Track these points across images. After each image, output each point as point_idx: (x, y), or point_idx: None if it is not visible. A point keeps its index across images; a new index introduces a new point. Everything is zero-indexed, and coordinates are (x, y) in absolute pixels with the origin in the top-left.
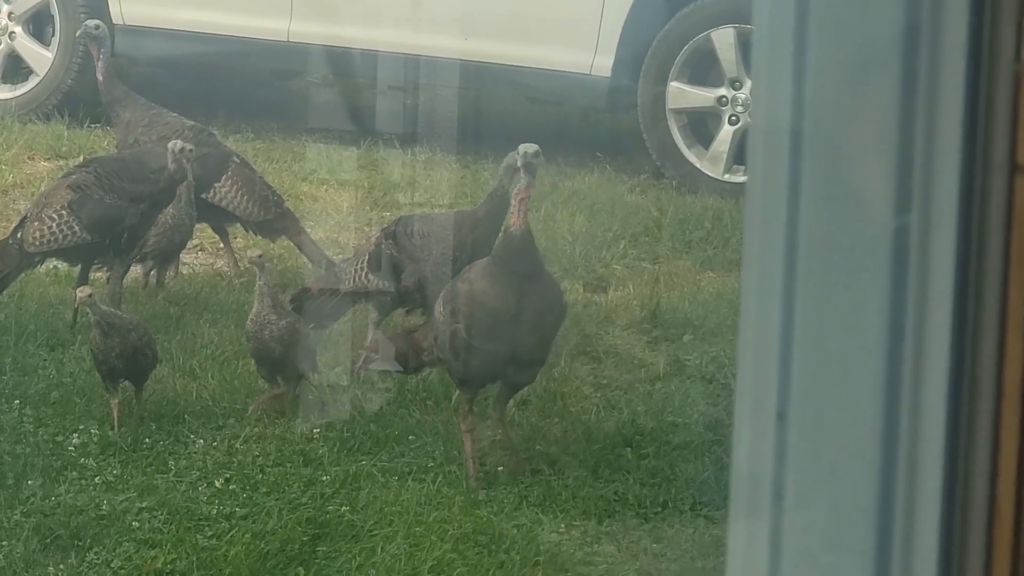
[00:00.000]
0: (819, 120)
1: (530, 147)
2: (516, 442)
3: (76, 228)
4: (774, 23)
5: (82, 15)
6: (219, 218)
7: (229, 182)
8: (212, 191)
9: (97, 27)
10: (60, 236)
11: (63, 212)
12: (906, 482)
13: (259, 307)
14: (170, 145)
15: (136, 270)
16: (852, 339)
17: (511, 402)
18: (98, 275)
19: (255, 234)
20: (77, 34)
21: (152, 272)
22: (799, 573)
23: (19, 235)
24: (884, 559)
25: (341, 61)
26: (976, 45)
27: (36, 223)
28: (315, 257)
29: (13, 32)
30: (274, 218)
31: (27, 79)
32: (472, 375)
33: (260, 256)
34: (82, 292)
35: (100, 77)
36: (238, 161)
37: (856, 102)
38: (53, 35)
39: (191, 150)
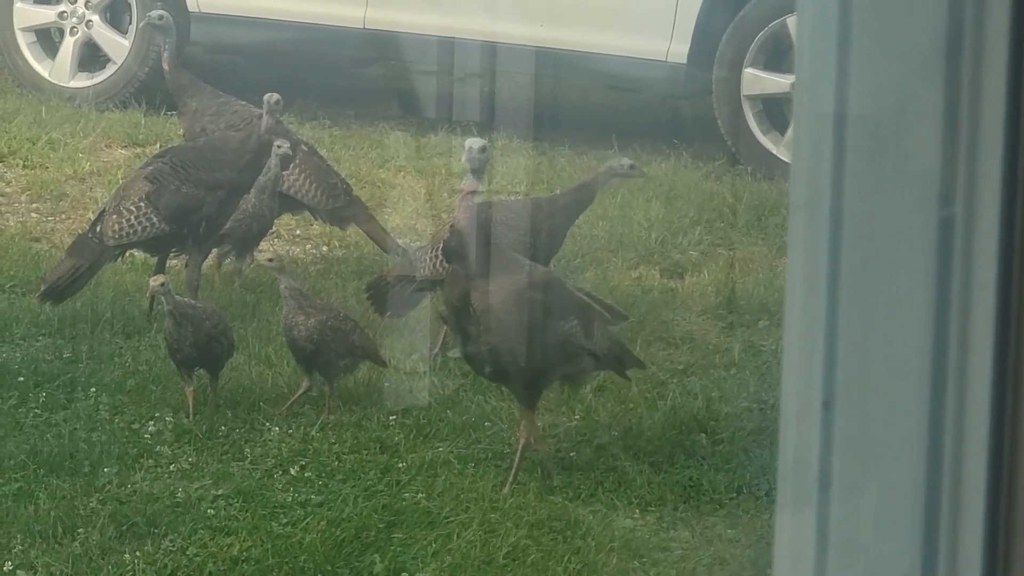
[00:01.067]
0: (863, 112)
1: (476, 142)
2: (545, 452)
3: (154, 219)
4: (817, 11)
5: (159, 3)
6: (288, 206)
7: (297, 170)
8: (281, 180)
9: (160, 17)
10: (139, 228)
11: (141, 204)
12: (952, 470)
13: (286, 309)
14: (275, 146)
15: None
16: (897, 328)
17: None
18: (174, 262)
19: (324, 222)
20: (141, 24)
21: (228, 260)
22: (846, 562)
23: (98, 228)
24: (931, 547)
25: (417, 48)
26: (1020, 36)
27: (114, 216)
28: (385, 244)
29: (90, 20)
30: (343, 206)
31: (104, 67)
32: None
33: (272, 260)
34: (155, 281)
35: (166, 67)
36: (306, 149)
37: (900, 93)
38: (130, 23)
39: (287, 150)
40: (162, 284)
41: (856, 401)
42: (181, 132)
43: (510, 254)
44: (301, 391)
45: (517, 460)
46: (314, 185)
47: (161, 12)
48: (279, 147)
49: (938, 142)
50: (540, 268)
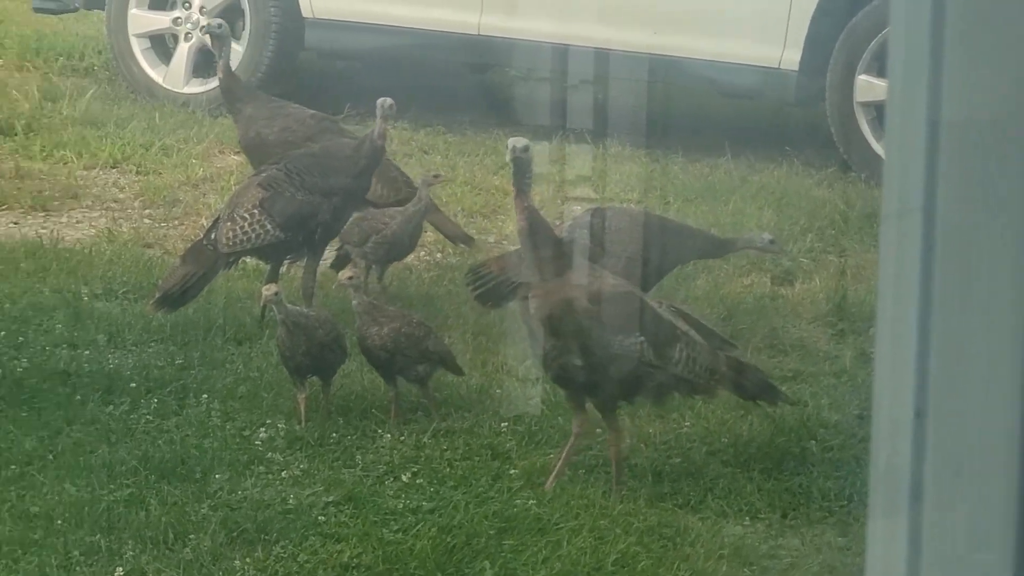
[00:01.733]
0: (956, 119)
1: (518, 140)
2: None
3: (269, 227)
4: (911, 19)
5: (272, 9)
6: None
7: None
8: (431, 208)
9: (220, 26)
10: (253, 236)
11: (255, 211)
12: None
13: (359, 323)
14: (431, 176)
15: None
16: (989, 338)
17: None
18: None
19: None
20: (200, 30)
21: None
22: (938, 572)
23: (213, 236)
24: None
25: (531, 55)
26: None
27: (229, 223)
28: (455, 235)
29: (204, 26)
30: (405, 198)
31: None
32: None
33: (352, 278)
34: (268, 290)
35: (220, 75)
36: None
37: (993, 97)
38: (243, 29)
39: (436, 176)
40: (275, 293)
41: (948, 411)
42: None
43: (585, 263)
44: (391, 399)
45: (614, 469)
46: (374, 180)
47: (220, 21)
48: (435, 177)
49: None
50: (611, 280)
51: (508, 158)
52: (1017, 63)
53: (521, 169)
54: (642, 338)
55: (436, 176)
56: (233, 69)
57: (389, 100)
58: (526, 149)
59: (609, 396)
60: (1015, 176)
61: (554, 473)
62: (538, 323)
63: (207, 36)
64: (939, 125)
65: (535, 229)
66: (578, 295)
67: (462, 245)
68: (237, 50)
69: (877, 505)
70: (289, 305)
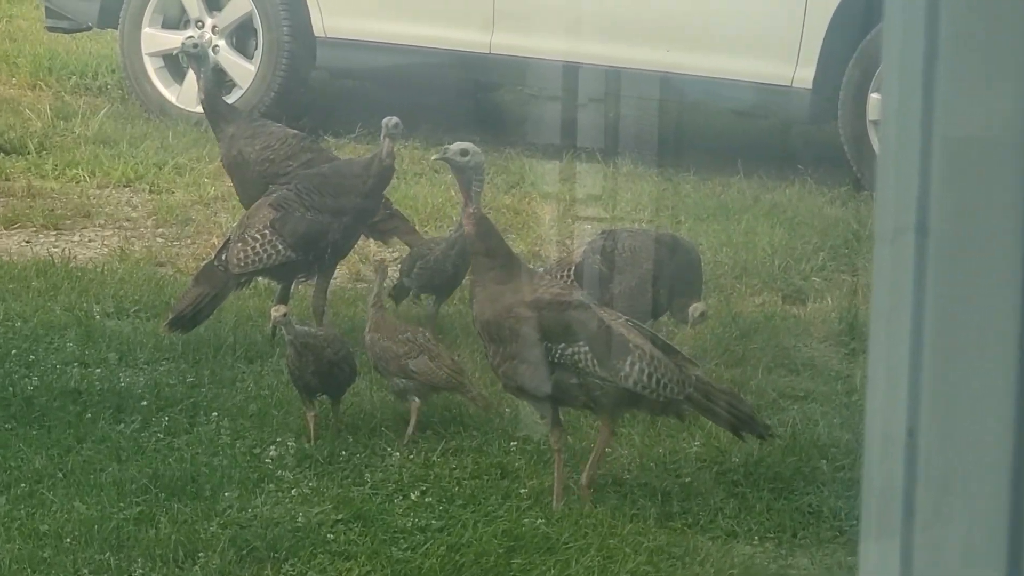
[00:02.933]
0: (949, 135)
1: (460, 145)
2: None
3: (280, 247)
4: (905, 35)
5: (284, 28)
6: None
7: None
8: None
9: (195, 46)
10: (264, 256)
11: (266, 232)
12: None
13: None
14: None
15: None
16: (981, 356)
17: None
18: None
19: (366, 237)
20: (174, 52)
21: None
22: None
23: (224, 257)
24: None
25: (542, 74)
26: None
27: (240, 244)
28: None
29: (217, 45)
30: (381, 219)
31: (230, 92)
32: None
33: (284, 315)
34: (276, 311)
35: (202, 95)
36: None
37: (987, 116)
38: (256, 48)
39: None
40: (284, 314)
41: (940, 429)
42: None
43: (529, 268)
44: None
45: (556, 474)
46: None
47: (196, 41)
48: (472, 212)
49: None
50: (556, 289)
51: (448, 162)
52: (1011, 81)
53: (465, 175)
54: (586, 347)
55: (473, 211)
56: (245, 88)
57: (394, 119)
58: (465, 153)
59: (549, 403)
60: (1008, 195)
61: (555, 493)
62: (479, 328)
63: (219, 56)
64: (932, 143)
65: (484, 236)
66: (516, 302)
67: None
68: (249, 69)
69: (870, 523)
70: (298, 325)
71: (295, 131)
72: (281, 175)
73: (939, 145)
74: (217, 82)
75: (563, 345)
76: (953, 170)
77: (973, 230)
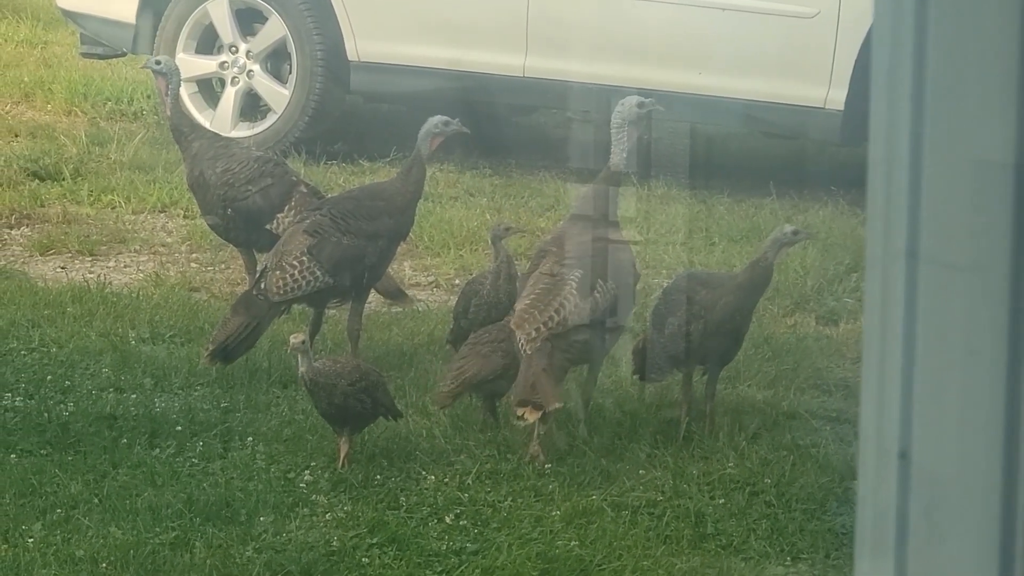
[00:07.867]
0: (938, 160)
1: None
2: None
3: (318, 273)
4: (892, 60)
5: (318, 52)
6: None
7: (293, 212)
8: (275, 222)
9: (159, 63)
10: (303, 282)
11: (303, 258)
12: None
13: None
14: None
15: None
16: (972, 380)
17: None
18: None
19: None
20: (140, 67)
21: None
22: None
23: (263, 285)
24: None
25: (576, 96)
26: None
27: (277, 272)
28: (388, 289)
29: (251, 71)
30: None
31: (265, 117)
32: None
33: (303, 342)
34: (295, 338)
35: (168, 112)
36: (304, 191)
37: (973, 142)
38: (290, 72)
39: (508, 228)
40: (302, 342)
41: (932, 452)
42: (347, 180)
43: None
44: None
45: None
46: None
47: (159, 58)
48: (506, 229)
49: (1012, 186)
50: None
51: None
52: (1000, 105)
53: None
54: None
55: (507, 228)
56: (279, 113)
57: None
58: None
59: None
60: (997, 219)
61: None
62: None
63: (253, 81)
64: (922, 168)
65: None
66: None
67: (395, 303)
68: (283, 93)
69: (864, 544)
70: (313, 360)
71: (260, 154)
72: (240, 200)
73: (929, 170)
74: (186, 103)
75: None
76: (942, 194)
77: (963, 254)
